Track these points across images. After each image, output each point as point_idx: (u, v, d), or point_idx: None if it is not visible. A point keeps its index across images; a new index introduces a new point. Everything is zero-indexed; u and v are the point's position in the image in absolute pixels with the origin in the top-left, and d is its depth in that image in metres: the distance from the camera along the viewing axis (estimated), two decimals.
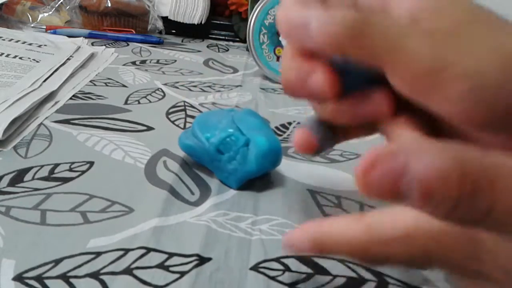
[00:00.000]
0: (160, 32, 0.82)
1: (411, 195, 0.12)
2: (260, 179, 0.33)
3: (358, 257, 0.18)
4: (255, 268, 0.25)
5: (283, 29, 0.16)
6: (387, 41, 0.14)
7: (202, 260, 0.25)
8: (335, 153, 0.39)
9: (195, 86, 0.54)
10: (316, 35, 0.15)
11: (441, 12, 0.14)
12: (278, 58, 0.60)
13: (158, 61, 0.63)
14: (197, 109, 0.47)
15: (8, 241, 0.25)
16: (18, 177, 0.31)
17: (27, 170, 0.32)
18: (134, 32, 0.75)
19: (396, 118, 0.17)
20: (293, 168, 0.36)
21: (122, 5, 0.74)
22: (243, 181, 0.32)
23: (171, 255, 0.25)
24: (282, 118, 0.47)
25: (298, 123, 0.46)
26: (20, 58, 0.53)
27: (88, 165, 0.33)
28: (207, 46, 0.76)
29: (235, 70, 0.63)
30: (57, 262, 0.24)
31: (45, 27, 0.72)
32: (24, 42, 0.60)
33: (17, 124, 0.38)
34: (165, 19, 0.78)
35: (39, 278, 0.22)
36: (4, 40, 0.59)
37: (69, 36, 0.69)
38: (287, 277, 0.24)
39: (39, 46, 0.59)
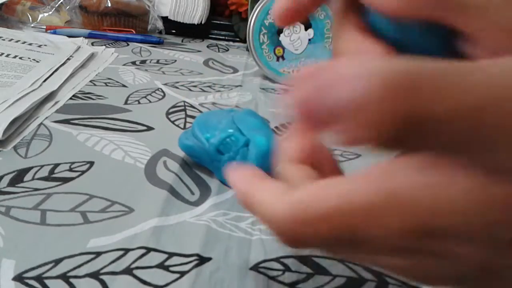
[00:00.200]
0: (160, 32, 0.82)
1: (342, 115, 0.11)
2: None
3: (281, 237, 0.15)
4: (255, 268, 0.25)
5: None
6: None
7: (202, 260, 0.25)
8: (335, 153, 0.39)
9: (195, 86, 0.54)
10: None
11: None
12: (278, 58, 0.60)
13: (158, 61, 0.63)
14: (197, 109, 0.47)
15: (8, 241, 0.25)
16: (18, 177, 0.31)
17: (27, 170, 0.32)
18: (134, 32, 0.75)
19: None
20: None
21: (122, 5, 0.74)
22: None
23: (171, 255, 0.25)
24: (282, 118, 0.47)
25: None
26: (20, 58, 0.53)
27: (88, 165, 0.33)
28: (207, 46, 0.76)
29: (235, 70, 0.63)
30: (57, 262, 0.24)
31: (45, 27, 0.72)
32: (24, 42, 0.60)
33: (17, 124, 0.38)
34: (165, 19, 0.78)
35: (39, 278, 0.22)
36: (4, 40, 0.59)
37: (69, 36, 0.69)
38: (287, 277, 0.24)
39: (39, 46, 0.59)
